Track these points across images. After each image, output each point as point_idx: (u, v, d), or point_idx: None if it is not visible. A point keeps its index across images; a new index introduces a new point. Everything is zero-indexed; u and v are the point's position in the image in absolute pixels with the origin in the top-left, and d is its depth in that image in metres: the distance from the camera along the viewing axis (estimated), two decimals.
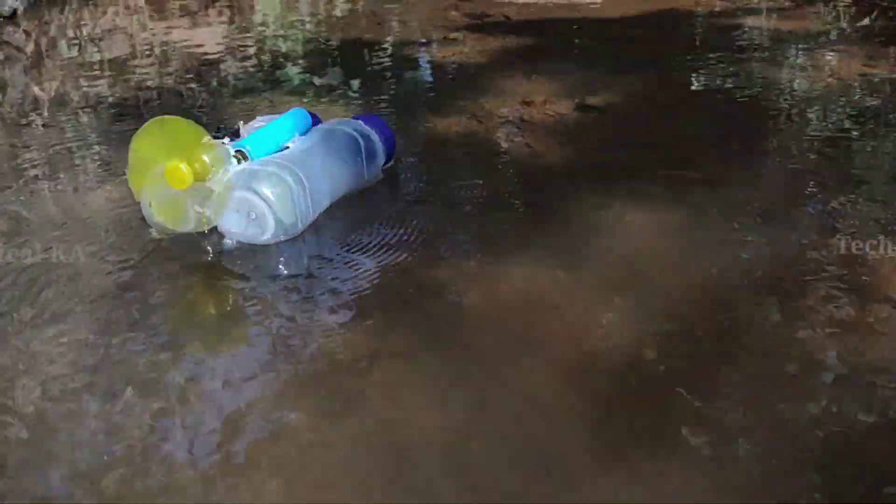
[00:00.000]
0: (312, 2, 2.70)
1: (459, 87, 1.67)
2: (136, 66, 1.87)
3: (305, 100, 1.59)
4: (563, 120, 1.44)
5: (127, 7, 2.55)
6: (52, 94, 1.70)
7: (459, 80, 1.74)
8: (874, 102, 1.47)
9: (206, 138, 0.98)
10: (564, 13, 2.30)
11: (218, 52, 1.97)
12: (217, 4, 2.62)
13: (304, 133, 1.10)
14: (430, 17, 2.30)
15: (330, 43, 2.09)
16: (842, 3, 2.21)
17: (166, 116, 1.00)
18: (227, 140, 1.01)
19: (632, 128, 1.42)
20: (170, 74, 1.81)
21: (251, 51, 2.01)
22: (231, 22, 2.37)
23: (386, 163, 1.18)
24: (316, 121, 1.15)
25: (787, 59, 1.78)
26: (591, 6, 2.40)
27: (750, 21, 2.13)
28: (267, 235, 0.98)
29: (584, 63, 1.83)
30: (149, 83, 1.74)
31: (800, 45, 1.88)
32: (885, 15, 2.07)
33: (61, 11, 2.47)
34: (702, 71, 1.70)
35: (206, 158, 0.95)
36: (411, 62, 1.89)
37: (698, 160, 1.25)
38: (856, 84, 1.56)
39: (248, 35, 2.18)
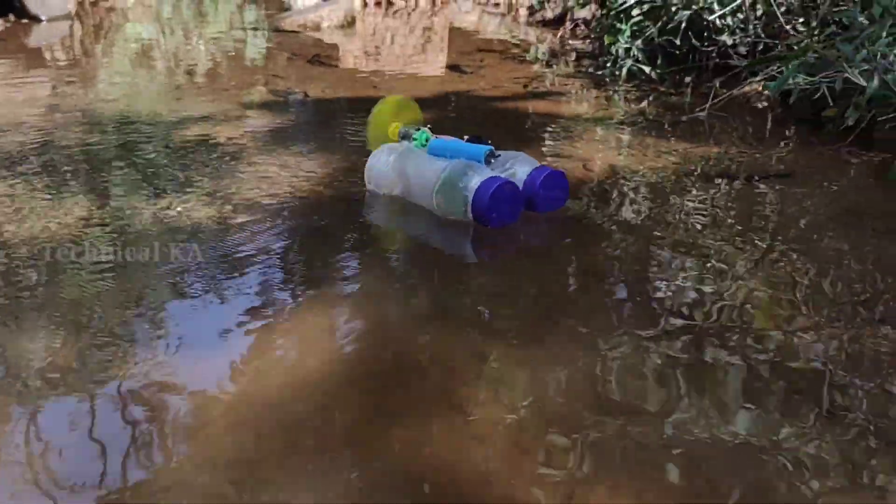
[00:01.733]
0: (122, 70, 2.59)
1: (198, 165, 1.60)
2: None
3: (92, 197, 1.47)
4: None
5: None
6: None
7: (197, 158, 1.66)
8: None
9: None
10: (371, 92, 2.30)
11: None
12: None
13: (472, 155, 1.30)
14: (235, 92, 2.24)
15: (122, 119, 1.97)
16: (622, 88, 2.32)
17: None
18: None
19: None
20: None
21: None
22: None
23: (481, 219, 1.23)
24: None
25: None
26: (428, 81, 2.43)
27: (531, 106, 2.19)
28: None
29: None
30: None
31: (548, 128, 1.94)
32: (660, 99, 2.19)
33: None
34: None
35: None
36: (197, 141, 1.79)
37: None
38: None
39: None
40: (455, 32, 3.78)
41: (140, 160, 1.63)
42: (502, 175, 1.25)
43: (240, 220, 1.29)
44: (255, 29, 3.73)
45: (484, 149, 1.29)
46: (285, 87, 2.36)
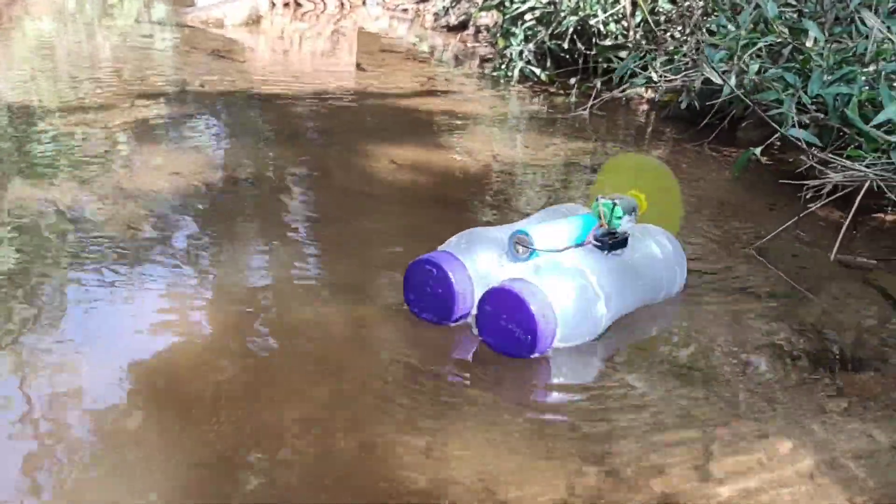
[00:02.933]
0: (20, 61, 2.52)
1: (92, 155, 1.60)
2: None
3: None
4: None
5: None
6: None
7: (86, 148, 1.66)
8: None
9: None
10: (264, 88, 2.31)
11: None
12: None
13: None
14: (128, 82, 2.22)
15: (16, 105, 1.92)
16: (515, 88, 2.41)
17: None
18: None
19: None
20: None
21: None
22: None
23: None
24: None
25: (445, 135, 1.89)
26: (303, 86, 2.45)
27: (431, 104, 2.26)
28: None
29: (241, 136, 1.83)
30: None
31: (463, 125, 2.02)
32: (548, 98, 2.30)
33: None
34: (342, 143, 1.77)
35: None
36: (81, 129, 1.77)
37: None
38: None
39: None
40: (364, 36, 3.83)
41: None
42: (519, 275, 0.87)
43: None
44: (161, 24, 3.68)
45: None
46: (182, 79, 2.35)
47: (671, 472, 0.71)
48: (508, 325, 0.85)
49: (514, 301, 0.83)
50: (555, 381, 0.86)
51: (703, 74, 1.68)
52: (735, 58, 1.67)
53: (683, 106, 1.75)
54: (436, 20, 4.08)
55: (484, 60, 2.99)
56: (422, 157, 1.67)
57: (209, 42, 3.10)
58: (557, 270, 0.87)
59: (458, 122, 1.99)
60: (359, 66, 2.77)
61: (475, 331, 0.90)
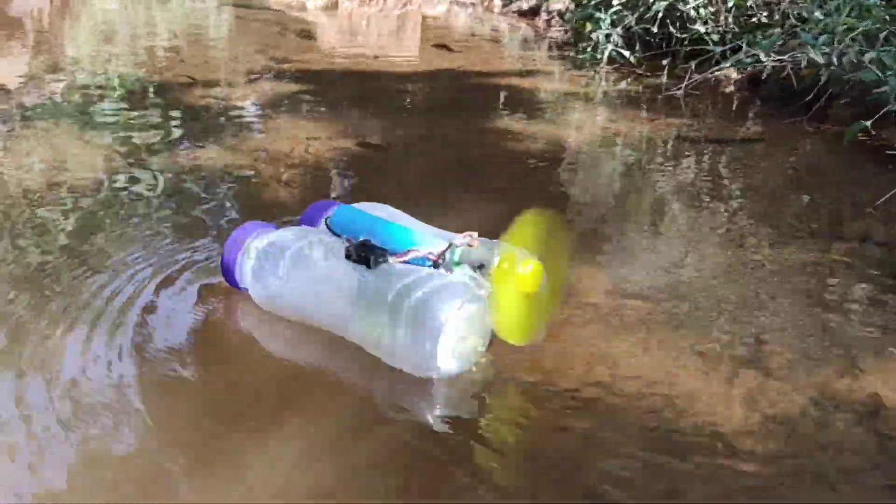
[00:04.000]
0: (127, 41, 2.68)
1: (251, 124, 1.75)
2: None
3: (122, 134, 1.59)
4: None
5: None
6: None
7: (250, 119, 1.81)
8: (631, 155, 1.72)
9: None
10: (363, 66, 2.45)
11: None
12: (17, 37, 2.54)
13: None
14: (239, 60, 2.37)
15: (146, 81, 2.08)
16: (603, 69, 2.53)
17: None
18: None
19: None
20: None
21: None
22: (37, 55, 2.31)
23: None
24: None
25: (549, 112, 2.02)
26: (404, 64, 2.59)
27: (527, 83, 2.39)
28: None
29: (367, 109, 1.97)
30: None
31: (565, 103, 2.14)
32: (639, 80, 2.41)
33: None
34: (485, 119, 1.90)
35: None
36: (217, 101, 1.92)
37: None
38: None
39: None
40: (436, 22, 3.96)
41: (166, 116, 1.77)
42: None
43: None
44: (247, 7, 3.83)
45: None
46: (284, 56, 2.49)
47: None
48: None
49: None
50: None
51: (806, 55, 1.78)
52: (835, 41, 1.78)
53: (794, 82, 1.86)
54: (504, 6, 4.19)
55: (560, 46, 3.10)
56: (531, 129, 1.80)
57: (296, 24, 3.25)
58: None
59: (554, 100, 2.12)
60: (445, 47, 2.90)
61: None
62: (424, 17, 4.12)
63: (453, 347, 0.77)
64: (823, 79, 1.82)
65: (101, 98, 1.86)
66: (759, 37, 2.08)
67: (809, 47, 1.79)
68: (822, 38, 1.79)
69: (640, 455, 0.71)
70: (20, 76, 2.01)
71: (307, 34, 3.01)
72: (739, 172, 1.57)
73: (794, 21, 2.13)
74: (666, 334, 0.91)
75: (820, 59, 1.79)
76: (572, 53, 2.79)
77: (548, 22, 3.62)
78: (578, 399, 0.79)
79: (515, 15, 3.91)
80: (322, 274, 0.84)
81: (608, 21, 2.59)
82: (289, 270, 0.86)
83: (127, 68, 2.19)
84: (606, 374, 0.83)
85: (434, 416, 0.77)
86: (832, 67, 1.75)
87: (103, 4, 3.68)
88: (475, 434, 0.74)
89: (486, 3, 4.49)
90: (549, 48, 3.00)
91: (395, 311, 0.77)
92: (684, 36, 2.43)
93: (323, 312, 0.84)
